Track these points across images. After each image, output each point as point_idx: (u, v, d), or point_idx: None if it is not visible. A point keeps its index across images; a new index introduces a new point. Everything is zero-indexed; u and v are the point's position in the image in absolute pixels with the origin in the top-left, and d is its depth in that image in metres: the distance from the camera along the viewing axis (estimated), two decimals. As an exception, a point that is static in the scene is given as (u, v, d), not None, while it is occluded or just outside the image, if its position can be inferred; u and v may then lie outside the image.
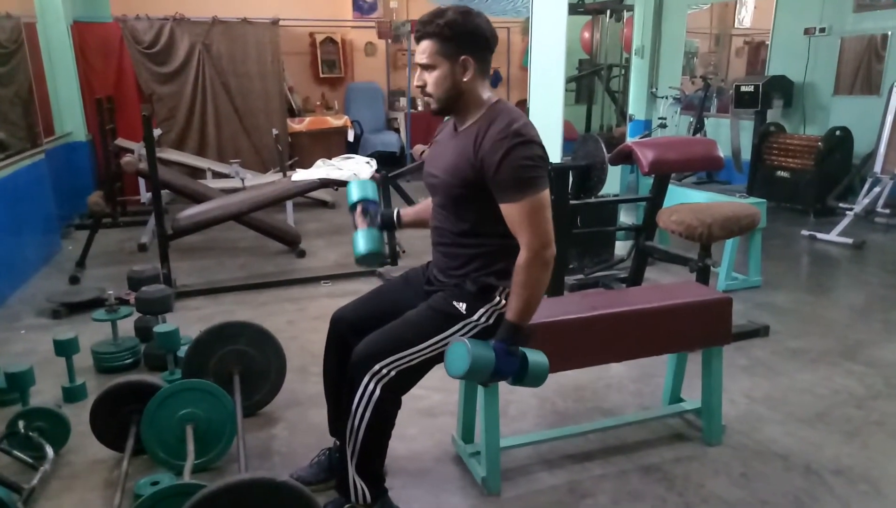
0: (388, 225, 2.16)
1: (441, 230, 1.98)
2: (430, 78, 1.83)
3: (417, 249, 4.75)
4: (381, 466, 1.99)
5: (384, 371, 1.82)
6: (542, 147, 1.82)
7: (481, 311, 1.90)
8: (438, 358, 1.90)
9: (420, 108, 9.17)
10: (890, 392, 2.85)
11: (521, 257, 1.78)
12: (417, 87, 1.88)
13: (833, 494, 2.17)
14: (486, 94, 1.88)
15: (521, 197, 1.75)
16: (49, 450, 2.26)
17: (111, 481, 2.25)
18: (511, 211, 1.78)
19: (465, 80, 1.81)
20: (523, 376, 1.83)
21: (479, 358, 1.74)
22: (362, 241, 2.06)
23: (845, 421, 2.62)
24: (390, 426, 1.93)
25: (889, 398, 2.81)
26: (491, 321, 1.91)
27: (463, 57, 1.79)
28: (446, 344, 1.87)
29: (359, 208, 2.12)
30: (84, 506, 2.15)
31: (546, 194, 1.79)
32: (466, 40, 1.79)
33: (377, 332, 1.90)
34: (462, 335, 1.89)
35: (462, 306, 1.90)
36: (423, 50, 1.82)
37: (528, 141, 1.76)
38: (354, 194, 2.15)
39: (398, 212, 2.18)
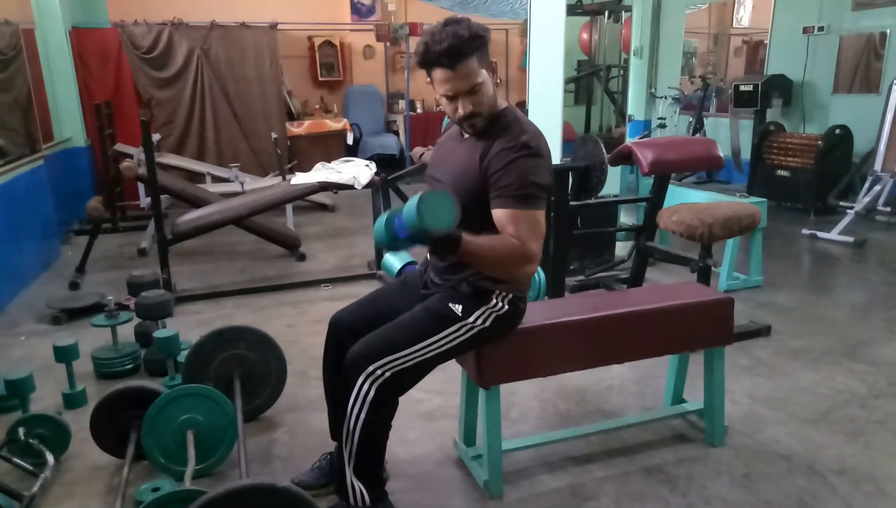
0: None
1: None
2: (478, 97, 1.77)
3: (416, 252, 4.73)
4: (380, 468, 1.99)
5: (378, 372, 1.82)
6: (548, 161, 1.81)
7: (477, 313, 1.90)
8: (435, 360, 1.90)
9: (419, 110, 9.17)
10: (892, 392, 2.84)
11: (513, 240, 1.73)
12: (464, 115, 1.79)
13: (836, 494, 2.16)
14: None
15: (514, 207, 1.75)
16: (49, 457, 2.25)
17: (112, 487, 2.24)
18: (501, 216, 1.77)
19: (497, 82, 1.82)
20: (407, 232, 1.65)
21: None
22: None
23: (848, 421, 2.61)
24: (387, 428, 1.93)
25: (892, 397, 2.79)
26: (487, 323, 1.90)
27: (492, 62, 1.80)
28: (441, 346, 1.87)
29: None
30: (85, 513, 2.14)
31: (542, 214, 1.78)
32: (487, 44, 1.77)
33: (372, 334, 1.90)
34: (458, 338, 1.88)
35: (458, 309, 1.89)
36: (465, 73, 1.73)
37: (534, 154, 1.76)
38: (396, 264, 2.20)
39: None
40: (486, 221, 1.84)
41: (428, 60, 1.76)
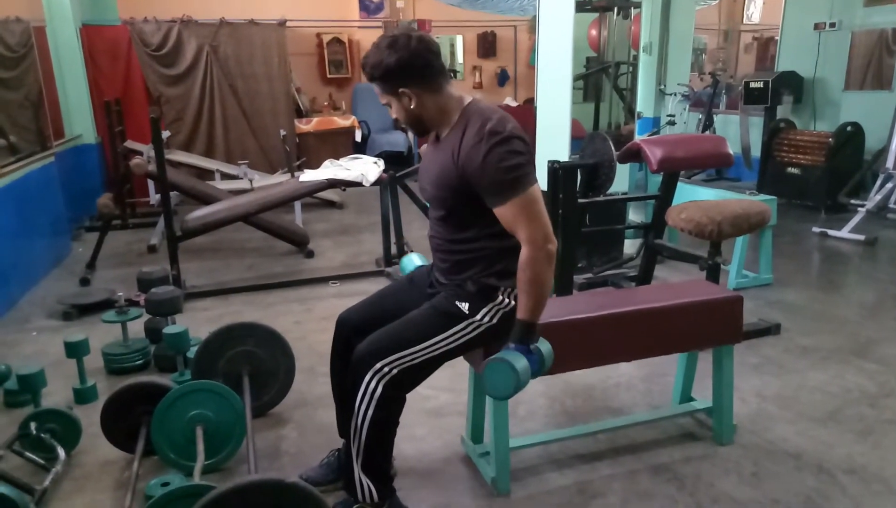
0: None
1: (438, 240, 1.98)
2: (393, 112, 1.89)
3: (423, 249, 4.73)
4: (388, 464, 1.99)
5: (386, 370, 1.82)
6: (522, 139, 1.79)
7: (484, 311, 1.90)
8: (442, 358, 1.90)
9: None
10: (903, 390, 2.82)
11: (524, 254, 1.76)
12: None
13: (846, 494, 2.15)
14: (453, 99, 1.86)
15: (509, 198, 1.74)
16: (60, 451, 2.28)
17: (122, 482, 2.26)
18: (504, 213, 1.77)
19: (411, 107, 1.83)
20: (541, 369, 1.84)
21: (524, 373, 1.76)
22: (417, 258, 2.07)
23: (858, 420, 2.60)
24: (394, 425, 1.93)
25: (902, 396, 2.78)
26: (495, 320, 1.90)
27: (400, 90, 1.81)
28: (448, 344, 1.88)
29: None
30: (95, 507, 2.16)
31: (535, 188, 1.78)
32: (395, 76, 1.79)
33: (379, 331, 1.90)
34: (465, 335, 1.89)
35: (465, 307, 1.89)
36: (377, 91, 1.89)
37: (506, 138, 1.74)
38: (417, 261, 2.21)
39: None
40: (474, 214, 1.84)
41: None
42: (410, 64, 1.78)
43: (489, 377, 1.79)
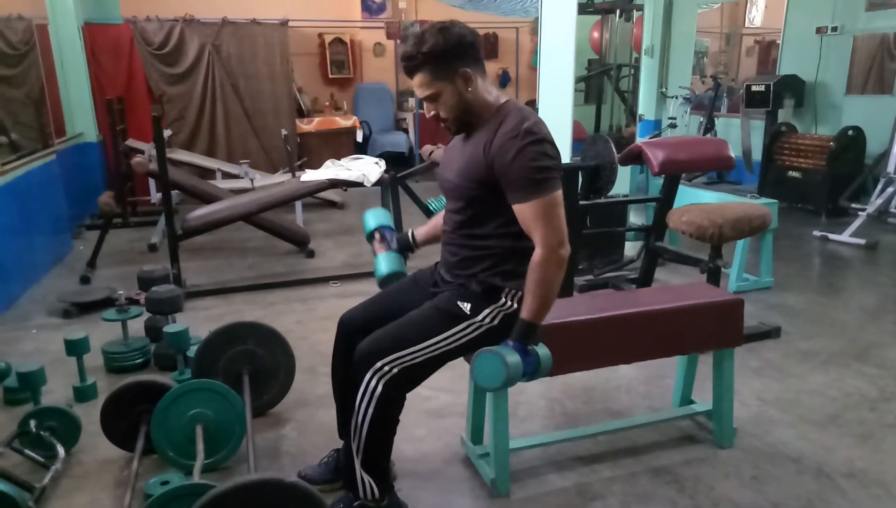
0: (405, 247, 2.22)
1: (453, 233, 1.98)
2: (439, 105, 1.83)
3: (425, 250, 4.72)
4: (388, 461, 2.00)
5: (386, 368, 1.83)
6: (554, 145, 1.81)
7: (486, 312, 1.90)
8: (443, 358, 1.90)
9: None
10: (903, 395, 2.82)
11: (537, 255, 1.77)
12: (431, 117, 1.87)
13: (845, 497, 2.15)
14: (492, 94, 1.87)
15: (533, 197, 1.75)
16: (60, 449, 2.27)
17: (121, 480, 2.26)
18: (524, 211, 1.77)
19: (469, 90, 1.81)
20: (536, 372, 1.84)
21: (514, 367, 1.77)
22: (383, 263, 2.15)
23: (858, 424, 2.60)
24: (394, 423, 1.94)
25: (902, 400, 2.78)
26: (496, 322, 1.90)
27: (461, 70, 1.78)
28: (449, 344, 1.88)
29: (377, 236, 2.22)
30: (95, 506, 2.16)
31: (559, 193, 1.79)
32: (456, 55, 1.77)
33: (380, 330, 1.90)
34: (466, 336, 1.89)
35: (466, 307, 1.89)
36: (420, 84, 1.81)
37: (540, 140, 1.76)
38: (370, 222, 2.25)
39: (412, 233, 2.23)
40: (493, 209, 1.85)
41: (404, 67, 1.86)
42: (470, 43, 1.79)
43: (479, 368, 1.82)
